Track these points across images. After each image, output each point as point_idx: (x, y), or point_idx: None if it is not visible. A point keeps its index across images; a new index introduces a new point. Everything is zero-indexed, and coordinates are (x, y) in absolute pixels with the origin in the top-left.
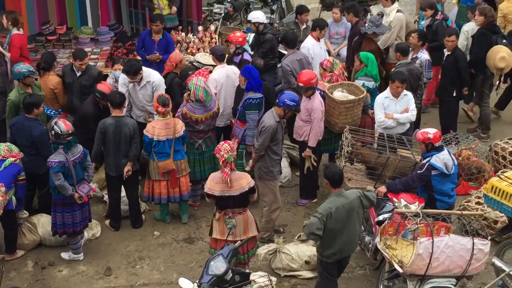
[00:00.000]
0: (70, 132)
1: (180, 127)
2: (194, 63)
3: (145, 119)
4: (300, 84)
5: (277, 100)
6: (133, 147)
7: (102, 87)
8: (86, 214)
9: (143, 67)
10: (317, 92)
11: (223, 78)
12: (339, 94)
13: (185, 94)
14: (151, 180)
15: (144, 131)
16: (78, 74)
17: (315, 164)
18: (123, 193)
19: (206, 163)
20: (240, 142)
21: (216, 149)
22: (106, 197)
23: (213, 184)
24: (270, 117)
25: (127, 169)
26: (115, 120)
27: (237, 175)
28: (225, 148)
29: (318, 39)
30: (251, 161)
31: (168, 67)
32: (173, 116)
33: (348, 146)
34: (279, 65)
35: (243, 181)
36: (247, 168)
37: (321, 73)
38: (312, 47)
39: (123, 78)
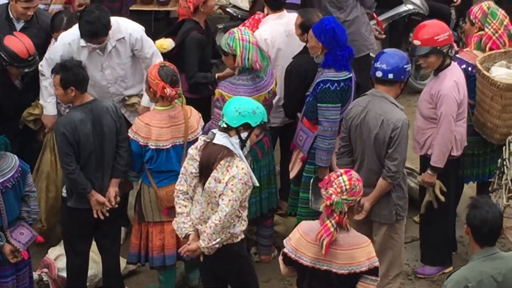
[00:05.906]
0: None
1: (196, 121)
2: (228, 9)
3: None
4: (417, 42)
5: (380, 73)
6: (121, 150)
7: (13, 42)
8: (25, 283)
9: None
10: (455, 64)
11: (279, 39)
12: (503, 72)
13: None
14: (145, 223)
15: (130, 133)
16: (19, 26)
17: (442, 198)
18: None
19: (254, 191)
20: (307, 158)
21: (325, 180)
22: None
23: (304, 242)
24: (391, 107)
25: (113, 192)
26: (87, 110)
27: (351, 239)
28: (340, 184)
29: None
30: (365, 200)
31: (182, 10)
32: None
33: None
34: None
35: (361, 251)
36: (358, 217)
37: (466, 28)
38: None
39: (64, 45)
